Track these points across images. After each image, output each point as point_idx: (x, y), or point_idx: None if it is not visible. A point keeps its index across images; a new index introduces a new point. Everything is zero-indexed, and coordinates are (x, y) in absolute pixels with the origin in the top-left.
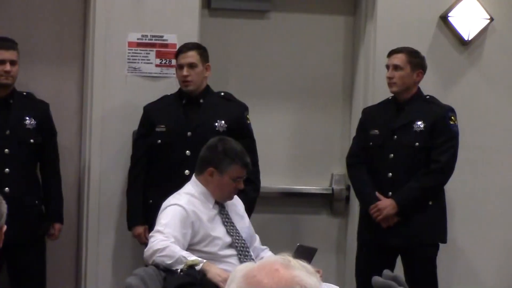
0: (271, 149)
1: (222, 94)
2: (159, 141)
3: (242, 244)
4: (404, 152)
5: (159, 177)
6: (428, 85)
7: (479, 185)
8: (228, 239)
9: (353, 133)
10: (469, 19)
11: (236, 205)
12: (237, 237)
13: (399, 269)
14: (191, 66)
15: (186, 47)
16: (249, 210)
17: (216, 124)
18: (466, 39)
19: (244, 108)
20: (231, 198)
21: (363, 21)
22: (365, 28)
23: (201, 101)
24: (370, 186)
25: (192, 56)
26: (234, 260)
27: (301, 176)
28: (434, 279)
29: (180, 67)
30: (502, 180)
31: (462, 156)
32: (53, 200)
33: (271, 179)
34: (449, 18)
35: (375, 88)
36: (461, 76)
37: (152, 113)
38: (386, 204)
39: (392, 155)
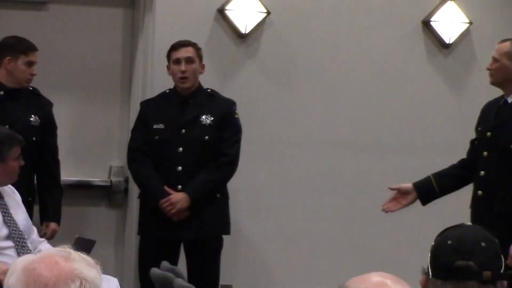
0: None
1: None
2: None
3: (19, 235)
4: (193, 145)
5: None
6: (207, 78)
7: (260, 177)
8: (5, 230)
9: (132, 126)
10: (245, 12)
11: (15, 194)
12: (14, 228)
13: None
14: None
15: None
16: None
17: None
18: (243, 32)
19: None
20: (16, 178)
21: (142, 14)
22: (143, 21)
23: None
24: (158, 180)
25: None
26: (12, 252)
27: (80, 168)
28: (217, 270)
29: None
30: (283, 171)
31: (243, 149)
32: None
33: None
34: (226, 11)
35: (153, 81)
36: (239, 68)
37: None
38: (179, 198)
39: (181, 148)
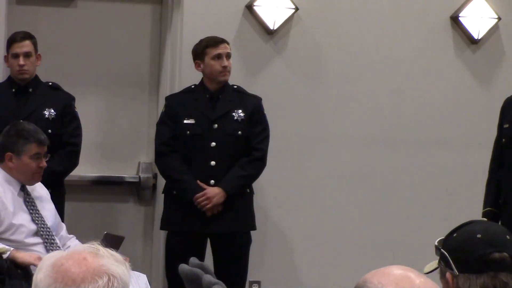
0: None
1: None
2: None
3: (48, 232)
4: (226, 140)
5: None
6: (235, 74)
7: (287, 173)
8: (33, 227)
9: None
10: (274, 9)
11: (42, 192)
12: (42, 225)
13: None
14: (27, 55)
15: (20, 37)
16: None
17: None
18: (271, 28)
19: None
20: (37, 178)
21: (170, 10)
22: (171, 17)
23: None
24: (190, 175)
25: (27, 45)
26: (41, 248)
27: (108, 164)
28: (245, 265)
29: (15, 56)
30: (310, 167)
31: (271, 145)
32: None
33: (79, 168)
34: (254, 7)
35: (181, 77)
36: (267, 64)
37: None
38: (215, 193)
39: (214, 143)
